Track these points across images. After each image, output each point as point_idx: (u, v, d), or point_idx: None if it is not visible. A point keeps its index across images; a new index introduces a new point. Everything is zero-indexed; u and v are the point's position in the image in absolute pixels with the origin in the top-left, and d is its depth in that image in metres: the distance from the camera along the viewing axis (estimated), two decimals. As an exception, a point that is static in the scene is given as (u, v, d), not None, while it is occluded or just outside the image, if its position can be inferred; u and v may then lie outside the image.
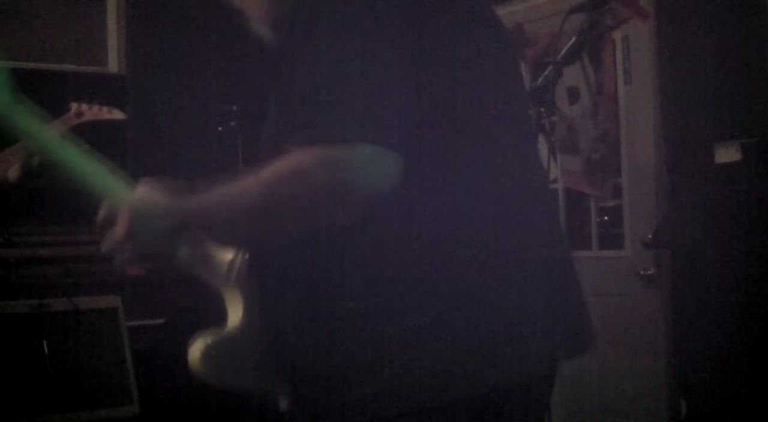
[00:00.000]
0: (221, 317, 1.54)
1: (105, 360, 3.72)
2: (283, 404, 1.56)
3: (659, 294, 3.85)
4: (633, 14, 3.38)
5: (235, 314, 1.52)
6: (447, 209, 1.38)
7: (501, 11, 4.67)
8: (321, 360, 1.40)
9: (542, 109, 2.76)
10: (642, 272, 3.89)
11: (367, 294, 1.36)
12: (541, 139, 2.90)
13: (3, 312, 3.58)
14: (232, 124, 4.36)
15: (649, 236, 3.75)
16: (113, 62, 4.73)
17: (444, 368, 1.34)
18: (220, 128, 4.41)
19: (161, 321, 4.02)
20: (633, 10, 3.33)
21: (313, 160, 1.31)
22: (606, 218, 4.24)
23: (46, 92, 4.01)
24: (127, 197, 1.48)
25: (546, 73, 2.78)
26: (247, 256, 1.54)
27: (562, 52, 2.80)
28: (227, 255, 1.54)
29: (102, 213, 1.47)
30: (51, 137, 1.58)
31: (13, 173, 1.61)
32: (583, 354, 1.52)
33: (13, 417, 3.43)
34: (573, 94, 4.17)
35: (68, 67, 4.55)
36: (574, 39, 2.80)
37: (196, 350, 1.46)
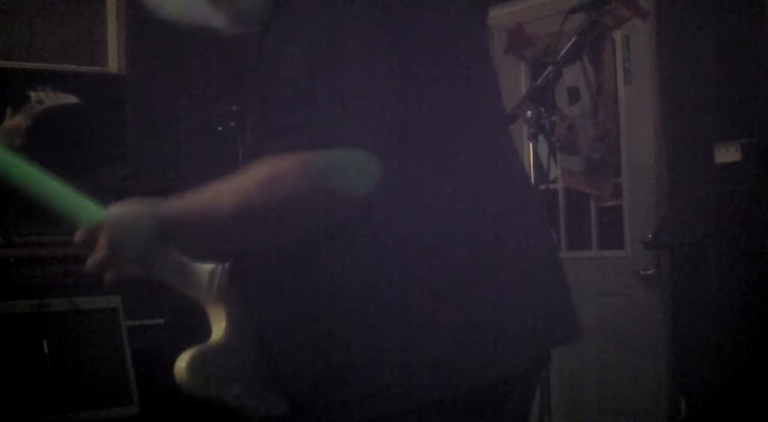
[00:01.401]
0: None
1: (105, 360, 3.72)
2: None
3: (659, 294, 3.85)
4: (633, 14, 3.38)
5: (218, 326, 1.51)
6: (445, 208, 1.38)
7: (501, 11, 4.72)
8: (321, 359, 1.39)
9: (542, 109, 2.76)
10: (642, 272, 3.89)
11: (366, 293, 1.36)
12: (541, 139, 2.90)
13: (3, 312, 3.58)
14: (232, 124, 4.36)
15: (649, 236, 3.75)
16: (113, 62, 4.73)
17: (444, 365, 1.34)
18: (220, 128, 4.40)
19: (161, 321, 4.02)
20: (633, 10, 3.33)
21: (291, 166, 1.28)
22: (606, 218, 4.24)
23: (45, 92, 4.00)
24: (100, 215, 1.44)
25: (546, 73, 2.79)
26: (227, 266, 1.52)
27: (562, 52, 2.80)
28: (207, 267, 1.53)
29: (79, 235, 1.43)
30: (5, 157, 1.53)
31: None
32: (572, 343, 1.52)
33: (13, 417, 3.43)
34: (573, 94, 4.17)
35: (68, 67, 4.54)
36: (574, 39, 2.80)
37: (181, 362, 1.44)
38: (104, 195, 1.56)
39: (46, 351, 3.57)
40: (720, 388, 3.57)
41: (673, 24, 3.78)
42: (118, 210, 1.43)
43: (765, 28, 3.46)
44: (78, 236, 1.43)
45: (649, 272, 3.87)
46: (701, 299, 3.65)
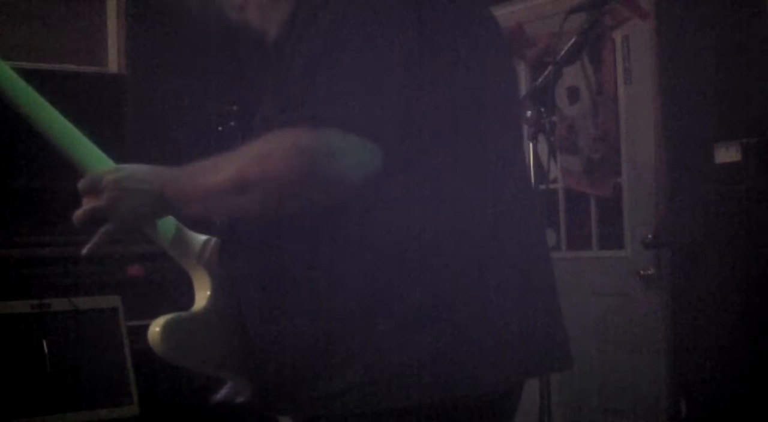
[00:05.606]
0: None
1: (105, 360, 3.72)
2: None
3: (659, 294, 3.85)
4: (633, 14, 3.39)
5: (201, 296, 1.52)
6: (444, 208, 1.38)
7: (501, 11, 4.73)
8: (318, 354, 1.39)
9: (542, 109, 2.76)
10: (642, 272, 3.89)
11: (365, 291, 1.36)
12: (541, 138, 2.90)
13: (3, 312, 3.57)
14: (232, 124, 4.36)
15: (649, 236, 3.75)
16: (113, 62, 4.73)
17: (440, 366, 1.34)
18: (220, 128, 4.40)
19: (161, 321, 4.02)
20: (633, 10, 3.34)
21: (286, 142, 1.29)
22: (606, 218, 4.24)
23: (46, 92, 4.01)
24: (107, 168, 1.48)
25: (546, 73, 2.79)
26: (219, 241, 1.54)
27: (562, 52, 2.81)
28: (201, 237, 1.55)
29: (83, 182, 1.46)
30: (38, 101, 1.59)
31: None
32: (561, 371, 1.52)
33: (13, 417, 3.43)
34: (573, 94, 4.17)
35: (68, 67, 4.54)
36: (574, 39, 2.80)
37: (156, 325, 1.43)
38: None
39: (45, 351, 3.57)
40: (720, 388, 3.57)
41: (673, 24, 3.78)
42: (126, 167, 1.47)
43: (765, 28, 3.45)
44: (82, 183, 1.45)
45: (649, 272, 3.87)
46: (701, 299, 3.65)
